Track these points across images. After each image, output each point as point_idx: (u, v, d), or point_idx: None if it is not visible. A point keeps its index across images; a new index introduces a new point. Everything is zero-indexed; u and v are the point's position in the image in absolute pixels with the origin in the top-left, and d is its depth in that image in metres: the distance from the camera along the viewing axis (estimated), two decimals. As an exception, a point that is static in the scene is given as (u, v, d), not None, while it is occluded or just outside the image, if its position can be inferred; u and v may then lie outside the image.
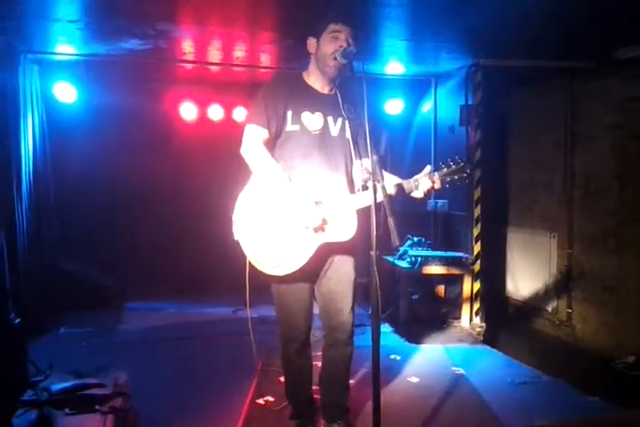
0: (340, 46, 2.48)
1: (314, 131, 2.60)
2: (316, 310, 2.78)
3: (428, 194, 2.54)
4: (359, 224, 2.48)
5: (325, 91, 2.66)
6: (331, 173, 2.57)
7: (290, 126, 2.59)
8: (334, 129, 2.64)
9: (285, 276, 2.51)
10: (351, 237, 2.48)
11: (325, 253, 2.59)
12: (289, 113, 2.58)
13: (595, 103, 4.58)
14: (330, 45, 2.51)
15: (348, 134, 2.65)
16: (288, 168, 2.55)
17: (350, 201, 2.49)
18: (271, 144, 2.61)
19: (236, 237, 2.55)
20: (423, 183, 2.51)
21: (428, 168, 2.55)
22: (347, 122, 2.63)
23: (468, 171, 2.55)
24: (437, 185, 2.52)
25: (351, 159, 2.67)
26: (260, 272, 2.53)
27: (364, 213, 2.46)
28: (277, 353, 2.93)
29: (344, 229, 2.48)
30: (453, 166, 2.53)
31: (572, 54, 4.54)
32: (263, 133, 2.55)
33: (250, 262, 2.54)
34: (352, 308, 2.70)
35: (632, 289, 4.24)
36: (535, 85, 5.22)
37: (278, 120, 2.57)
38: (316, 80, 2.65)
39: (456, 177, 2.54)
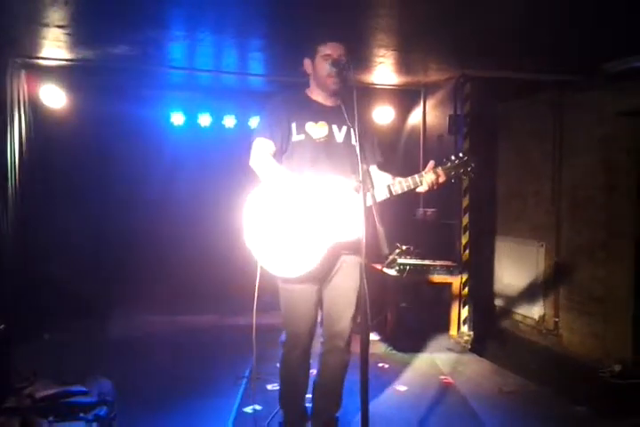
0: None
1: (318, 139, 2.65)
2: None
3: (432, 187, 2.54)
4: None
5: (329, 103, 2.72)
6: (338, 178, 2.59)
7: (295, 137, 2.65)
8: (339, 136, 2.69)
9: (297, 278, 2.52)
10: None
11: (334, 256, 2.61)
12: (293, 124, 2.64)
13: (583, 116, 4.63)
14: (324, 68, 2.59)
15: (354, 141, 2.64)
16: (296, 175, 2.58)
17: (358, 199, 2.48)
18: (279, 157, 2.66)
19: (246, 243, 2.54)
20: (428, 177, 2.53)
21: (432, 163, 2.57)
22: (352, 130, 2.66)
23: (473, 164, 2.58)
24: (442, 178, 2.54)
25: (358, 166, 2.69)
26: (271, 276, 2.55)
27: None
28: (267, 361, 2.90)
29: (353, 226, 2.46)
30: (457, 161, 2.58)
31: (561, 67, 4.58)
32: (270, 145, 2.61)
33: (259, 267, 2.53)
34: (353, 316, 2.72)
35: (619, 299, 4.28)
36: (524, 97, 5.27)
37: (283, 132, 2.63)
38: (318, 95, 2.72)
39: (461, 170, 2.58)
